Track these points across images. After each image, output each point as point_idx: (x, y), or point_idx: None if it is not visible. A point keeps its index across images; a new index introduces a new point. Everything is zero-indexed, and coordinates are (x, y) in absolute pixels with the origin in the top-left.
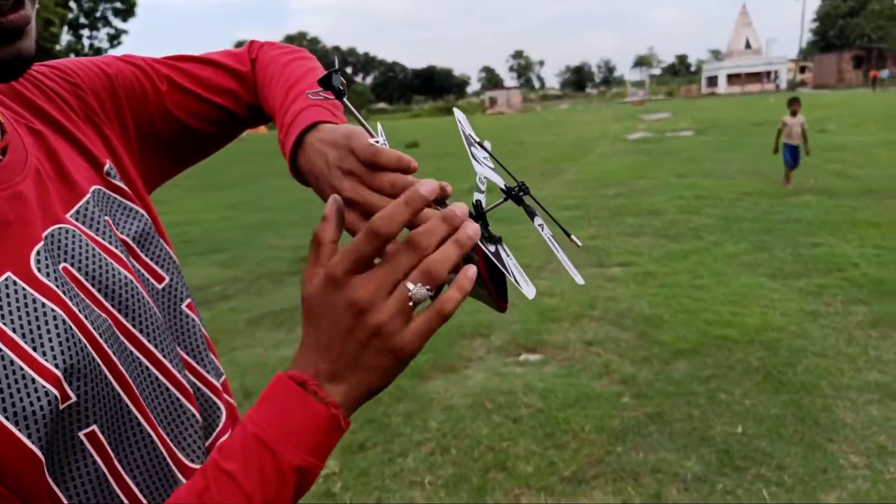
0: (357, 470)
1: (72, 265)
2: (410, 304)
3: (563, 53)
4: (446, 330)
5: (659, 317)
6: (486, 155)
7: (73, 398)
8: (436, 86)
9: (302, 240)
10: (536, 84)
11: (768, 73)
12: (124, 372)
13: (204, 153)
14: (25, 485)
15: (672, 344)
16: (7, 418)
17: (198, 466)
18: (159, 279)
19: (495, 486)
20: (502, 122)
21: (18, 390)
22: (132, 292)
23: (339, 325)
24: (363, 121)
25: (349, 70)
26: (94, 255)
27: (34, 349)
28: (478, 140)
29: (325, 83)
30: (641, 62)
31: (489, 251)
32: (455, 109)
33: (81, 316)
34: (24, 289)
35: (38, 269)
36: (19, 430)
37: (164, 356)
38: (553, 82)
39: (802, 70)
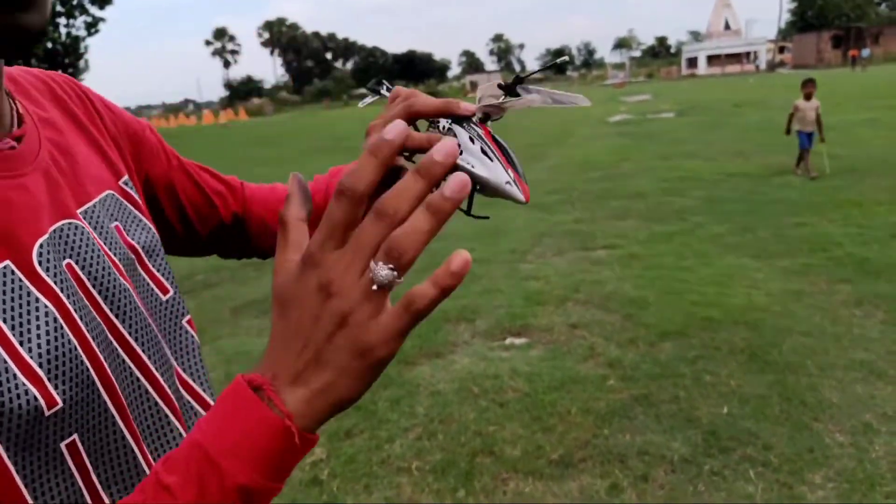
0: (344, 457)
1: (76, 262)
2: (374, 288)
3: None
4: (431, 315)
5: (644, 299)
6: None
7: (60, 404)
8: (416, 70)
9: None
10: (517, 68)
11: (748, 54)
12: (114, 380)
13: (176, 249)
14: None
15: (657, 326)
16: None
17: None
18: (164, 291)
19: (483, 470)
20: None
21: (1, 382)
22: (130, 301)
23: (307, 311)
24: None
25: (329, 56)
26: (97, 257)
27: (20, 343)
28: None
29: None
30: (621, 44)
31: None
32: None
33: (76, 316)
34: (20, 280)
35: (39, 263)
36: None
37: (156, 369)
38: (534, 66)
39: (781, 50)
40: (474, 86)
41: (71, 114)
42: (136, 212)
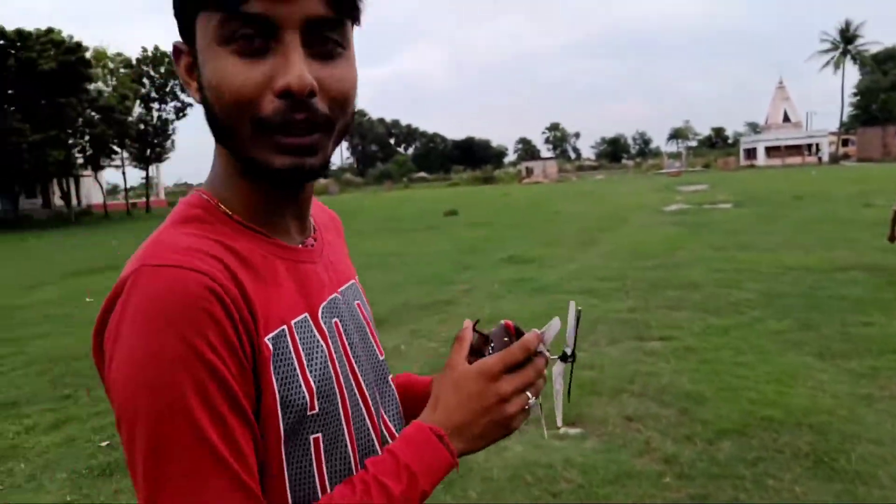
0: None
1: (340, 321)
2: (527, 406)
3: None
4: None
5: (701, 393)
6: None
7: (316, 410)
8: (474, 156)
9: None
10: (572, 155)
11: (809, 146)
12: (349, 406)
13: None
14: (270, 449)
15: (715, 423)
16: (280, 402)
17: None
18: (381, 353)
19: None
20: (538, 192)
21: (293, 387)
22: (363, 355)
23: (483, 404)
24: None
25: (392, 141)
26: (353, 319)
27: (307, 368)
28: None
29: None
30: (677, 134)
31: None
32: (570, 303)
33: (335, 357)
34: (311, 327)
35: (321, 316)
36: (280, 411)
37: (372, 406)
38: (588, 153)
39: (845, 143)
40: (529, 171)
41: (335, 230)
42: (364, 297)
